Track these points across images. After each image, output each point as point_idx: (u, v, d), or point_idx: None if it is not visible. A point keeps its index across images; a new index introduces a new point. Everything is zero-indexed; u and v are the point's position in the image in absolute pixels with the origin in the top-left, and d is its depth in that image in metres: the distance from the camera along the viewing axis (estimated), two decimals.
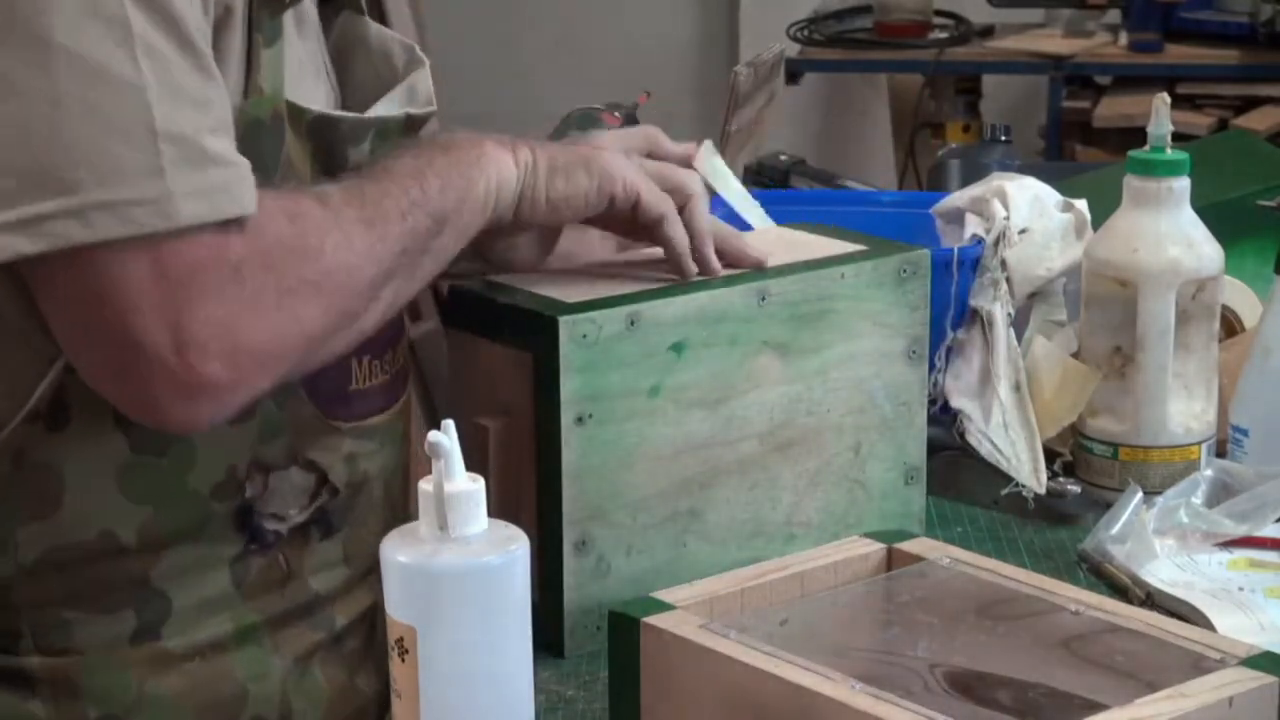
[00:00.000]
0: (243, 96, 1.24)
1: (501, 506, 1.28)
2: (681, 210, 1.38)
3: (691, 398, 1.36)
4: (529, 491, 1.34)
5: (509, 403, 1.34)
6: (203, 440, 1.26)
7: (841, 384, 1.42)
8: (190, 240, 1.14)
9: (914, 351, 1.46)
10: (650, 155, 1.46)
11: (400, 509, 1.40)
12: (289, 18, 1.29)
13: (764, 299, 1.38)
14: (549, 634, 1.33)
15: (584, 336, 1.30)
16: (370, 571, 1.34)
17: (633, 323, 1.32)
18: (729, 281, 1.38)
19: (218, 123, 1.17)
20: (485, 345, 1.36)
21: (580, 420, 1.31)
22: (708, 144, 1.51)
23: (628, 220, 1.37)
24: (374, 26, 1.41)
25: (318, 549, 1.34)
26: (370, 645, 1.37)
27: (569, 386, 1.30)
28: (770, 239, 1.47)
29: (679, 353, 1.34)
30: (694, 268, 1.37)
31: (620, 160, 1.36)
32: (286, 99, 1.26)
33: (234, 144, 1.19)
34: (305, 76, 1.32)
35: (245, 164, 1.18)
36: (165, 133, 1.13)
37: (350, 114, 1.32)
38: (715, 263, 1.38)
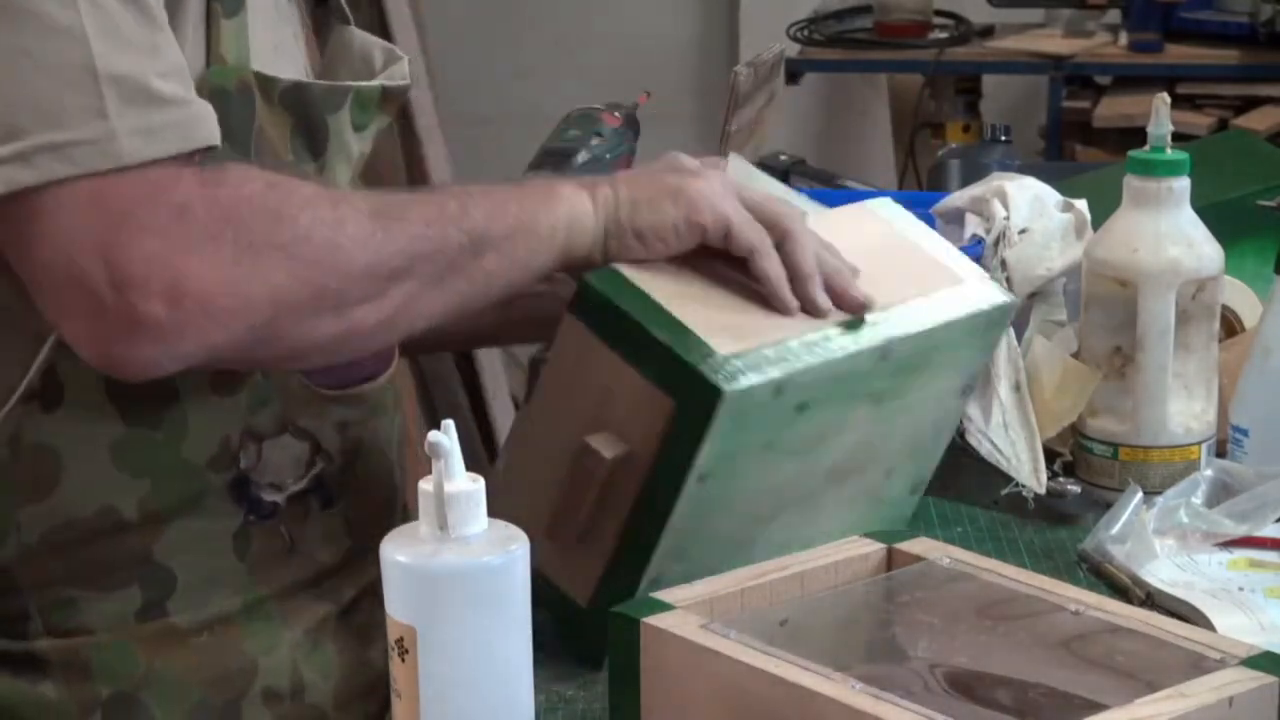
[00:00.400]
0: (204, 65, 1.25)
1: (585, 527, 1.28)
2: (781, 245, 1.31)
3: (794, 448, 1.32)
4: (619, 518, 1.29)
5: (627, 431, 1.27)
6: (194, 411, 1.27)
7: (908, 422, 1.40)
8: (133, 177, 1.15)
9: (969, 387, 1.45)
10: None
11: (402, 486, 1.40)
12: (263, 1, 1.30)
13: (885, 357, 1.33)
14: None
15: (738, 410, 1.25)
16: (376, 544, 1.34)
17: (779, 391, 1.27)
18: (858, 338, 1.32)
19: (168, 68, 1.18)
20: (615, 361, 1.27)
21: (702, 479, 1.27)
22: (734, 157, 1.49)
23: (724, 251, 1.31)
24: (359, 35, 1.43)
25: (318, 520, 1.35)
26: (382, 618, 1.37)
27: (706, 451, 1.25)
28: (851, 240, 1.38)
29: (800, 410, 1.30)
30: (794, 302, 1.30)
31: (711, 188, 1.30)
32: (254, 70, 1.27)
33: (190, 88, 1.19)
34: (281, 59, 1.32)
35: (202, 105, 1.19)
36: (107, 75, 1.15)
37: (321, 81, 1.33)
38: (822, 301, 1.31)
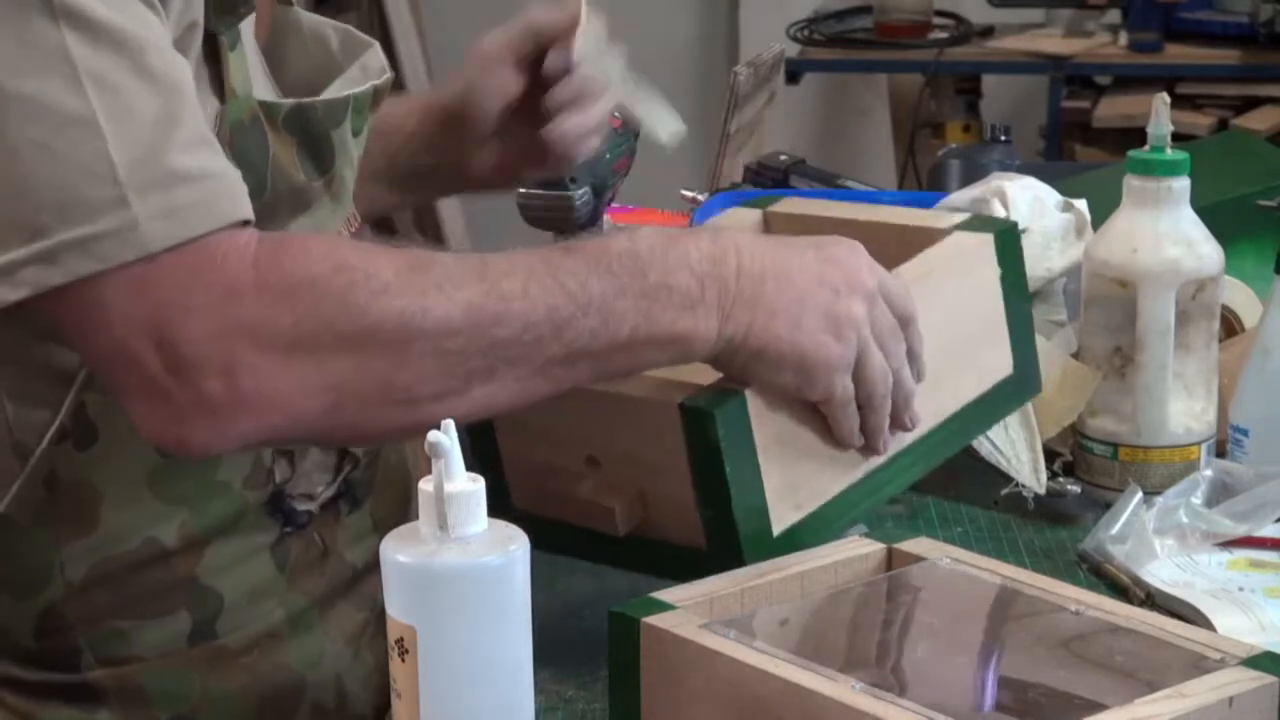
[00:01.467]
0: (220, 102, 1.23)
1: (550, 519, 1.31)
2: (861, 407, 1.29)
3: None
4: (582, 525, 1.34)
5: (652, 510, 1.30)
6: None
7: None
8: (168, 262, 1.13)
9: None
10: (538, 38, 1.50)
11: (414, 478, 1.41)
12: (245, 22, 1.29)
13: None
14: None
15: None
16: None
17: None
18: (913, 468, 1.37)
19: (190, 137, 1.15)
20: (684, 475, 1.27)
21: None
22: (582, 33, 1.48)
23: None
24: (305, 15, 1.40)
25: (348, 522, 1.36)
26: None
27: None
28: (948, 310, 1.38)
29: None
30: (857, 444, 1.31)
31: (835, 358, 1.26)
32: (258, 99, 1.26)
33: (216, 154, 1.17)
34: (258, 79, 1.32)
35: (227, 177, 1.16)
36: (123, 161, 1.12)
37: (322, 98, 1.31)
38: (879, 449, 1.32)
